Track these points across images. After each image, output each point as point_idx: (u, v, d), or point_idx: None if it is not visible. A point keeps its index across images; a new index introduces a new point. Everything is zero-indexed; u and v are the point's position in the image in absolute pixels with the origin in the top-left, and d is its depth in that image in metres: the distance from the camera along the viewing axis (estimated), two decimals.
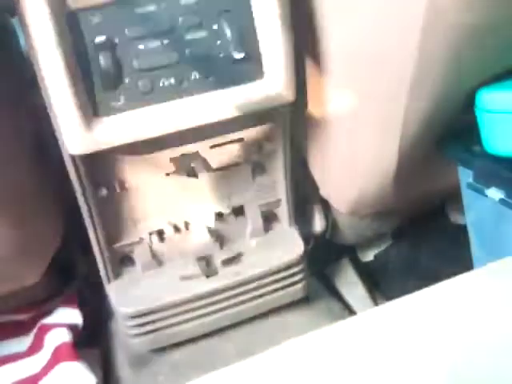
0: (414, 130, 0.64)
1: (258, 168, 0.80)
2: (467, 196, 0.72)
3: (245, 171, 0.79)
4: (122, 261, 0.80)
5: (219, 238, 0.83)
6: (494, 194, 0.64)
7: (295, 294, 0.86)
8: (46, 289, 0.90)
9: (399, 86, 0.59)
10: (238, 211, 0.82)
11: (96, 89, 0.60)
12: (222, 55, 0.62)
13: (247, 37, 0.62)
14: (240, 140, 0.75)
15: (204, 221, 0.80)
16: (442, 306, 0.34)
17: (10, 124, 0.66)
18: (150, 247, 0.79)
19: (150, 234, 0.78)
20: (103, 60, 0.59)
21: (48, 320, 0.86)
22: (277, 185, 0.82)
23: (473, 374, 0.29)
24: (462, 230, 0.90)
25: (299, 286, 0.85)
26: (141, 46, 0.60)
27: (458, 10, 0.49)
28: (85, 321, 0.86)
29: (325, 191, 0.86)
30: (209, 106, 0.63)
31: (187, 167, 0.73)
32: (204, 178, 0.76)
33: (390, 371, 0.29)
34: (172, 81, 0.62)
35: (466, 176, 0.69)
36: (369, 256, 1.07)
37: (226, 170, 0.77)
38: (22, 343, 0.85)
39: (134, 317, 0.78)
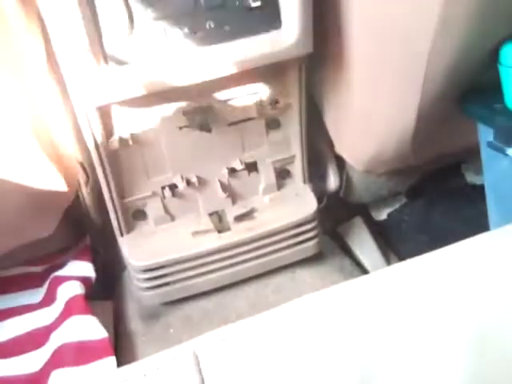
0: (436, 86, 0.62)
1: (273, 123, 0.79)
2: (486, 155, 0.70)
3: (259, 126, 0.78)
4: (135, 215, 0.80)
5: (232, 194, 0.82)
6: None
7: (307, 250, 0.86)
8: (60, 242, 0.91)
9: (422, 39, 0.57)
10: (252, 167, 0.81)
11: (109, 36, 0.58)
12: (237, 3, 0.60)
13: None
14: (255, 94, 0.73)
15: (217, 176, 0.80)
16: (457, 266, 0.33)
17: None
18: (163, 201, 0.79)
19: (163, 188, 0.78)
20: (115, 8, 0.57)
21: (61, 273, 0.87)
22: (291, 141, 0.81)
23: (489, 334, 0.28)
24: (478, 190, 0.89)
25: (311, 243, 0.85)
26: None
27: None
28: (97, 274, 0.87)
29: (340, 148, 0.84)
30: (224, 57, 0.62)
31: (200, 121, 0.72)
32: (217, 132, 0.75)
33: (401, 332, 0.29)
34: (186, 30, 0.60)
35: (486, 134, 0.67)
36: (382, 215, 1.06)
37: (239, 124, 0.76)
38: (36, 295, 0.86)
39: (146, 270, 0.78)
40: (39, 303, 0.85)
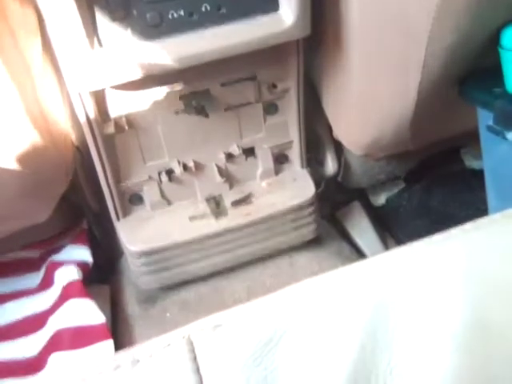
0: (435, 69, 0.61)
1: (270, 108, 0.78)
2: (486, 140, 0.70)
3: (256, 111, 0.77)
4: (131, 199, 0.80)
5: (229, 179, 0.82)
6: None
7: (305, 235, 0.86)
8: (56, 226, 0.91)
9: (422, 20, 0.56)
10: (249, 152, 0.81)
11: (103, 20, 0.58)
12: None
13: None
14: (252, 78, 0.72)
15: (214, 161, 0.79)
16: (456, 251, 0.33)
17: None
18: (159, 186, 0.79)
19: (159, 172, 0.77)
20: None
21: (58, 257, 0.87)
22: (289, 125, 0.80)
23: (489, 321, 0.28)
24: (477, 174, 0.88)
25: (309, 228, 0.85)
26: None
27: None
28: (94, 258, 0.87)
29: (338, 132, 0.84)
30: (220, 40, 0.61)
31: (197, 105, 0.71)
32: (214, 117, 0.74)
33: (398, 318, 0.28)
34: (181, 13, 0.59)
35: (485, 118, 0.67)
36: (380, 200, 1.06)
37: (237, 109, 0.75)
38: (33, 279, 0.87)
39: (142, 255, 0.78)
40: (36, 288, 0.86)
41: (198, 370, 0.27)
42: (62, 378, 0.26)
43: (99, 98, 0.67)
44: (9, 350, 0.77)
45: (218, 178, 0.79)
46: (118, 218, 0.80)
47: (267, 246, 0.83)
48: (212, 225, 0.79)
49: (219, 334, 0.29)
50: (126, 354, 0.28)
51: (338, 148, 0.90)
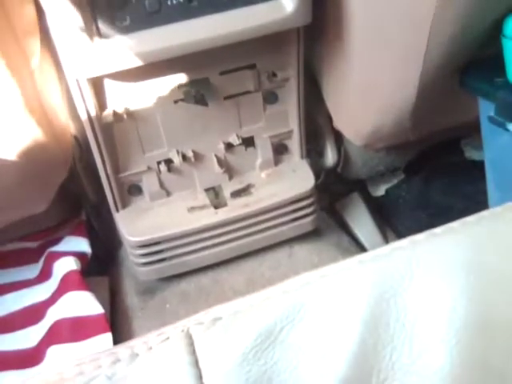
0: (437, 58, 0.61)
1: (270, 97, 0.77)
2: (487, 131, 0.69)
3: (256, 100, 0.76)
4: (130, 190, 0.79)
5: (228, 170, 0.81)
6: None
7: (305, 226, 0.85)
8: (55, 217, 0.91)
9: (424, 9, 0.55)
10: (248, 142, 0.80)
11: (101, 8, 0.57)
12: None
13: None
14: (252, 66, 0.72)
15: (213, 151, 0.79)
16: (457, 245, 0.33)
17: None
18: (159, 176, 0.78)
19: (159, 163, 0.77)
20: None
21: (56, 248, 0.86)
22: (289, 115, 0.80)
23: (491, 315, 0.28)
24: (477, 166, 0.88)
25: (309, 219, 0.85)
26: None
27: None
28: (93, 249, 0.87)
29: (338, 122, 0.83)
30: (219, 27, 0.60)
31: (196, 94, 0.71)
32: (214, 106, 0.74)
33: (397, 312, 0.28)
34: (181, 0, 0.58)
35: (487, 109, 0.66)
36: (380, 191, 1.06)
37: (236, 98, 0.75)
38: (32, 270, 0.86)
39: (141, 246, 0.78)
40: (35, 279, 0.85)
41: (196, 363, 0.27)
42: (61, 371, 0.26)
43: (97, 87, 0.66)
44: (7, 341, 0.77)
45: (218, 169, 0.79)
46: (117, 209, 0.80)
47: (266, 237, 0.83)
48: (211, 216, 0.79)
49: (218, 327, 0.29)
50: (125, 347, 0.28)
51: (338, 139, 0.90)
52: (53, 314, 0.78)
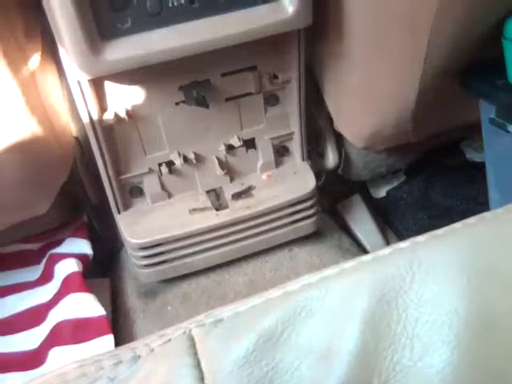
0: (438, 60, 0.61)
1: (271, 99, 0.78)
2: (488, 133, 0.69)
3: (257, 102, 0.77)
4: (132, 192, 0.79)
5: (229, 171, 0.81)
6: None
7: (306, 228, 0.85)
8: (56, 219, 0.91)
9: (425, 11, 0.55)
10: (250, 144, 0.80)
11: (103, 10, 0.57)
12: None
13: None
14: (253, 68, 0.72)
15: (214, 153, 0.79)
16: (458, 247, 0.33)
17: None
18: (160, 178, 0.78)
19: (160, 164, 0.77)
20: None
21: (58, 250, 0.86)
22: (290, 117, 0.80)
23: (493, 316, 0.28)
24: (478, 167, 0.88)
25: (310, 220, 0.85)
26: None
27: None
28: (95, 251, 0.87)
29: (339, 124, 0.83)
30: (220, 29, 0.60)
31: (198, 96, 0.71)
32: (215, 108, 0.74)
33: (397, 314, 0.28)
34: (182, 1, 0.59)
35: (487, 111, 0.66)
36: (381, 192, 1.06)
37: (237, 100, 0.75)
38: (33, 272, 0.86)
39: (143, 248, 0.78)
40: (36, 281, 0.85)
41: (198, 364, 0.27)
42: (63, 373, 0.26)
43: (99, 88, 0.66)
44: (9, 343, 0.77)
45: (219, 171, 0.79)
46: (119, 211, 0.80)
47: (268, 238, 0.83)
48: (212, 217, 0.79)
49: (220, 328, 0.29)
50: (127, 349, 0.28)
51: (339, 140, 0.90)
52: (54, 316, 0.78)
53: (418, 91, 0.65)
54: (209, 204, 0.80)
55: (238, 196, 0.81)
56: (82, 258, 0.84)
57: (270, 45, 0.68)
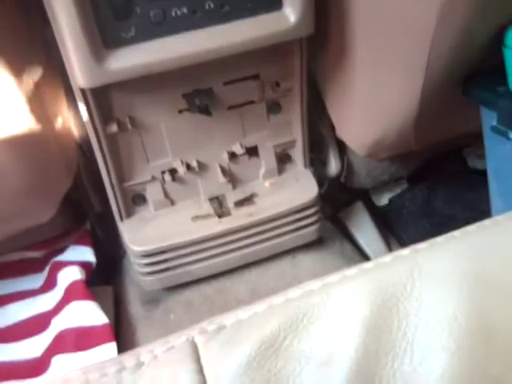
0: (439, 69, 0.61)
1: (274, 107, 0.78)
2: (490, 140, 0.70)
3: (259, 110, 0.77)
4: (135, 199, 0.80)
5: (232, 179, 0.82)
6: None
7: (308, 236, 0.85)
8: (59, 227, 0.91)
9: (426, 20, 0.56)
10: (252, 152, 0.80)
11: (106, 19, 0.58)
12: None
13: None
14: (255, 77, 0.72)
15: (217, 160, 0.79)
16: (460, 253, 0.33)
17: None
18: (163, 186, 0.79)
19: (163, 172, 0.77)
20: None
21: (61, 258, 0.87)
22: (292, 125, 0.80)
23: (492, 324, 0.28)
24: (480, 175, 0.88)
25: (312, 228, 0.85)
26: None
27: None
28: (97, 259, 0.87)
29: (341, 132, 0.84)
30: (223, 38, 0.61)
31: (200, 104, 0.71)
32: (217, 116, 0.74)
33: (399, 321, 0.28)
34: (185, 10, 0.59)
35: (489, 118, 0.67)
36: (383, 200, 1.06)
37: (240, 108, 0.75)
38: (36, 280, 0.86)
39: (146, 255, 0.78)
40: (39, 289, 0.85)
41: (201, 371, 0.27)
42: (67, 380, 0.26)
43: (102, 96, 0.67)
44: (12, 351, 0.77)
45: (221, 178, 0.79)
46: (122, 218, 0.80)
47: (270, 246, 0.83)
48: (215, 225, 0.79)
49: (223, 335, 0.29)
50: (131, 355, 0.28)
51: (341, 148, 0.90)
52: (57, 324, 0.78)
53: (420, 100, 0.65)
54: (211, 211, 0.80)
55: (240, 203, 0.81)
56: (84, 265, 0.85)
57: (272, 53, 0.68)
